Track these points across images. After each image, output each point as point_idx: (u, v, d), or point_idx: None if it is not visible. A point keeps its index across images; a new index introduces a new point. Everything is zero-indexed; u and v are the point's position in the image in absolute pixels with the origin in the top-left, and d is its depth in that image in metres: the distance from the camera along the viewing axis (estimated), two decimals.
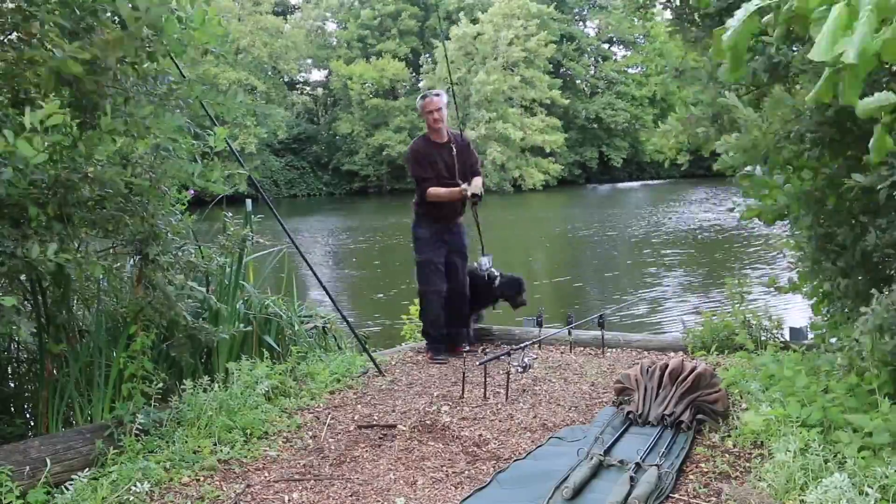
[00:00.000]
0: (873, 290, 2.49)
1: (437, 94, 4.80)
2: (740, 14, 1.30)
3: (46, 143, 2.40)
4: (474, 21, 41.69)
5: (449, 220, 4.91)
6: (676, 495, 2.69)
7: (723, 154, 3.07)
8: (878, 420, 2.53)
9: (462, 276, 4.96)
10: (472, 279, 5.09)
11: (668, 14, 3.53)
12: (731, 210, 3.52)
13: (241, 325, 3.93)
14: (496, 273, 5.00)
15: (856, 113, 1.34)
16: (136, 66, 2.86)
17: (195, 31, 2.88)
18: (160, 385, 3.32)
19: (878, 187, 2.27)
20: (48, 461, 2.79)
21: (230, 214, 3.81)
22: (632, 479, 2.69)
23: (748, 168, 3.23)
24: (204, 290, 3.66)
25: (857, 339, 2.52)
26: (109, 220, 3.10)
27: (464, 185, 4.78)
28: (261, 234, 4.05)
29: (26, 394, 3.74)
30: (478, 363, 4.25)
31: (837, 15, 1.13)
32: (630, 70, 46.59)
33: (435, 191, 4.76)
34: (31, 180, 2.63)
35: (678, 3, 3.45)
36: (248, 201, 4.32)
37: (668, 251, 14.66)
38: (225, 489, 2.86)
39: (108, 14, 2.98)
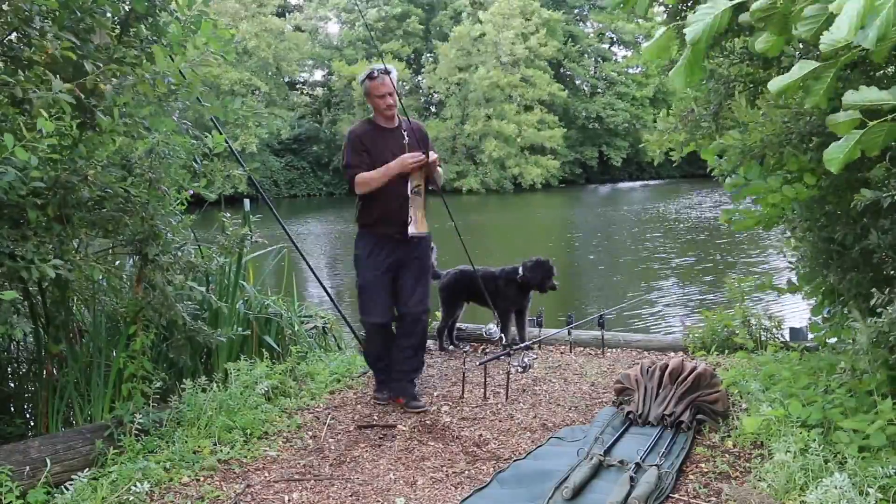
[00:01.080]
0: (874, 290, 2.48)
1: (389, 72, 3.72)
2: (706, 7, 1.24)
3: (46, 144, 2.40)
4: (477, 21, 41.66)
5: (397, 227, 3.71)
6: (676, 495, 2.69)
7: (716, 158, 3.07)
8: (877, 423, 2.52)
9: (415, 301, 3.82)
10: (488, 279, 4.92)
11: (661, 10, 3.52)
12: (728, 221, 3.50)
13: (240, 329, 3.92)
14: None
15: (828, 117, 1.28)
16: (135, 68, 2.86)
17: (195, 35, 2.88)
18: (160, 385, 3.32)
19: (884, 196, 2.27)
20: (48, 461, 2.79)
21: (228, 214, 3.82)
22: (632, 479, 2.69)
23: (734, 176, 3.22)
24: (203, 289, 3.66)
25: (858, 341, 2.51)
26: (109, 220, 3.10)
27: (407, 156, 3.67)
28: (261, 234, 4.05)
29: (26, 394, 3.74)
30: (478, 363, 4.25)
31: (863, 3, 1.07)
32: (630, 70, 46.55)
33: (363, 176, 3.67)
34: (31, 184, 2.63)
35: None
36: (247, 201, 4.32)
37: (668, 251, 14.66)
38: (225, 489, 2.86)
39: (108, 15, 2.98)
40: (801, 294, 3.51)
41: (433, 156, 3.70)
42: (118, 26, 3.04)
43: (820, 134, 2.65)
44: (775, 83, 1.30)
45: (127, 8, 3.01)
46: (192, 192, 3.57)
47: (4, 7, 2.60)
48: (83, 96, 2.62)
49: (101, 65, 2.73)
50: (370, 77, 3.71)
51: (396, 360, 3.88)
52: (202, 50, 2.82)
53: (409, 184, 3.71)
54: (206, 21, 2.91)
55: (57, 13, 2.73)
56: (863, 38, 1.08)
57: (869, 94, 1.23)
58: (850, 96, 1.24)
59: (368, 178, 3.69)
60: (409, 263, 3.81)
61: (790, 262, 3.65)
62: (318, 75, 46.21)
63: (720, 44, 3.04)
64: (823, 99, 1.27)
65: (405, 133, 3.79)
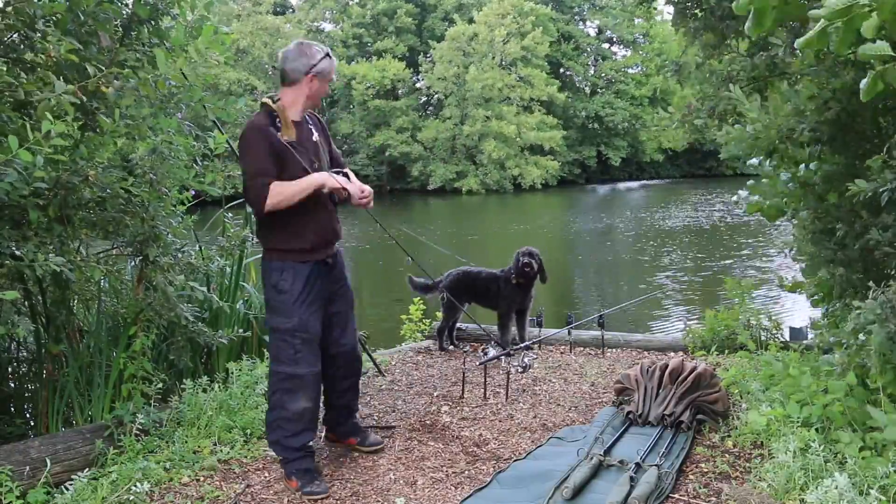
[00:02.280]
0: (871, 283, 2.49)
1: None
2: None
3: (48, 146, 2.40)
4: (470, 21, 41.70)
5: (328, 247, 3.00)
6: (676, 495, 2.69)
7: (725, 146, 3.08)
8: (892, 415, 2.52)
9: (350, 334, 3.17)
10: (482, 281, 4.97)
11: (669, 9, 3.54)
12: (736, 202, 3.53)
13: (241, 330, 3.92)
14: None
15: (858, 56, 1.49)
16: (137, 71, 2.87)
17: (196, 39, 2.88)
18: (160, 385, 3.33)
19: (881, 190, 2.28)
20: (48, 461, 2.79)
21: (231, 215, 3.81)
22: (632, 479, 2.70)
23: (753, 160, 3.24)
24: (204, 289, 3.66)
25: (853, 335, 2.52)
26: (110, 221, 3.11)
27: (332, 176, 2.87)
28: None
29: (26, 394, 3.74)
30: (478, 363, 4.25)
31: None
32: (630, 70, 46.58)
33: (281, 188, 2.77)
34: (33, 185, 2.64)
35: None
36: None
37: (668, 251, 14.66)
38: (225, 489, 2.86)
39: (110, 17, 2.98)
40: (805, 292, 3.51)
41: (367, 190, 2.97)
42: (120, 29, 3.05)
43: (817, 130, 2.67)
44: (801, 41, 1.48)
45: (129, 12, 3.01)
46: (194, 192, 3.57)
47: (7, 10, 2.60)
48: (85, 99, 2.62)
49: (103, 68, 2.73)
50: (329, 56, 2.94)
51: (336, 405, 3.24)
52: (204, 55, 2.82)
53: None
54: (207, 25, 2.91)
55: (59, 16, 2.73)
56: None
57: (880, 47, 1.41)
58: (864, 49, 1.42)
59: (288, 192, 2.77)
60: (338, 291, 3.09)
61: (795, 258, 3.65)
62: None
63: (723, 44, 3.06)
64: (844, 46, 1.43)
65: (312, 127, 3.00)
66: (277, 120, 2.84)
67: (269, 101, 2.88)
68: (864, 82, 1.50)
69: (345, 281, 3.13)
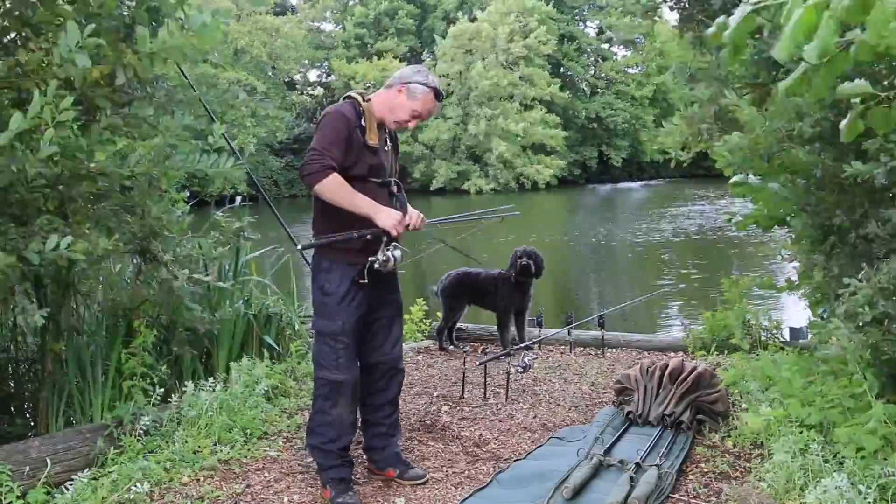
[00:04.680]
0: (862, 271, 2.51)
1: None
2: (738, 13, 1.37)
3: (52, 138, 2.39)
4: (472, 20, 41.67)
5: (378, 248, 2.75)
6: (676, 495, 2.70)
7: (722, 153, 3.09)
8: (869, 425, 2.52)
9: (391, 343, 3.00)
10: (481, 282, 4.97)
11: (673, 14, 3.57)
12: (729, 220, 3.54)
13: (242, 310, 3.88)
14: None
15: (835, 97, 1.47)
16: (136, 71, 2.86)
17: (193, 37, 2.87)
18: (161, 387, 3.32)
19: (876, 171, 2.31)
20: (48, 461, 2.79)
21: (220, 213, 3.83)
22: (632, 479, 2.70)
23: (739, 176, 3.25)
24: (202, 275, 3.64)
25: (838, 327, 2.53)
26: (111, 216, 3.10)
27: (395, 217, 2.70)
28: (260, 233, 4.04)
29: (26, 394, 3.74)
30: (478, 363, 4.25)
31: (800, 18, 1.19)
32: (630, 70, 46.53)
33: (339, 184, 2.65)
34: (34, 181, 2.63)
35: (686, 3, 3.47)
36: (238, 198, 4.42)
37: (668, 251, 14.65)
38: (225, 489, 2.86)
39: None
40: (799, 294, 3.51)
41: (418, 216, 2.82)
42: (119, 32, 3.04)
43: (816, 127, 2.67)
44: (782, 85, 1.49)
45: (128, 14, 3.01)
46: (189, 192, 3.57)
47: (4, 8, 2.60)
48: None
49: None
50: (438, 96, 2.85)
51: (372, 422, 3.03)
52: (192, 35, 2.79)
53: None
54: (198, 22, 2.88)
55: (60, 20, 2.72)
56: (808, 58, 1.26)
57: (858, 85, 1.44)
58: (842, 88, 1.45)
59: (346, 195, 2.65)
60: (387, 296, 2.95)
61: (787, 256, 3.66)
62: (314, 75, 46.15)
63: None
64: (824, 90, 1.45)
65: (387, 137, 2.90)
66: (363, 119, 2.75)
67: (359, 97, 2.80)
68: (844, 123, 1.50)
69: (395, 286, 2.98)
